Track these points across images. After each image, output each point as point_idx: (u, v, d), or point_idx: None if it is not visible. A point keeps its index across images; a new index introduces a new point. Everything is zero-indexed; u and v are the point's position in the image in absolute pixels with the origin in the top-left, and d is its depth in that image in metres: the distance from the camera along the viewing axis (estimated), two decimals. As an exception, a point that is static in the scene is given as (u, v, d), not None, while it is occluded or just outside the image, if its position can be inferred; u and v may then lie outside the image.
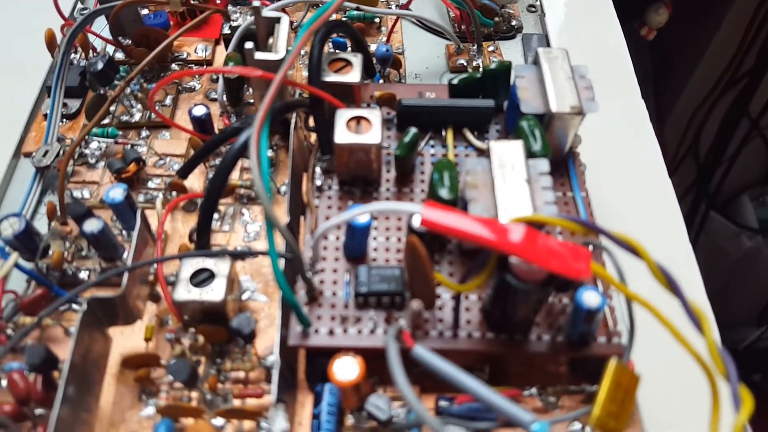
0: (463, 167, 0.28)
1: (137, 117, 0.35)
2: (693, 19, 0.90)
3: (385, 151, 0.30)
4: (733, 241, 1.06)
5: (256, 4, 0.31)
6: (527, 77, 0.29)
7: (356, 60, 0.30)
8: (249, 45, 0.30)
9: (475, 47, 0.39)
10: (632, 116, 0.39)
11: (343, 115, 0.28)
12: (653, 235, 0.34)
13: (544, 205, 0.24)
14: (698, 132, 1.02)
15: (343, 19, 0.38)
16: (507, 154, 0.25)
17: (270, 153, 0.34)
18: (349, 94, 0.30)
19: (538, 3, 0.43)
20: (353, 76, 0.29)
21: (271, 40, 0.32)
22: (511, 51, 0.40)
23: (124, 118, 0.35)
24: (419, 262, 0.23)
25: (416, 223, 0.22)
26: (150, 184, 0.33)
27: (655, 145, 0.38)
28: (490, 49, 0.39)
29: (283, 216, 0.30)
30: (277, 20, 0.32)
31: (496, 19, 0.39)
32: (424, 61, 0.40)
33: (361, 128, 0.28)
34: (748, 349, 1.06)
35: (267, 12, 0.32)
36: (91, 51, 0.38)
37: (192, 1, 0.34)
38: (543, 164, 0.25)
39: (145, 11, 0.39)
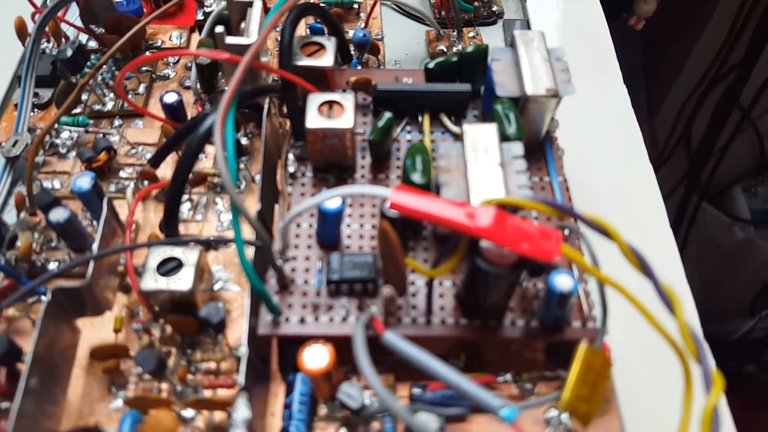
0: (437, 151, 0.28)
1: (110, 106, 0.34)
2: (682, 9, 0.90)
3: (360, 138, 0.30)
4: (726, 232, 1.06)
5: (227, -12, 0.30)
6: (503, 60, 0.29)
7: (329, 44, 0.29)
8: (219, 29, 0.29)
9: (455, 33, 0.38)
10: (614, 102, 0.38)
11: (314, 100, 0.27)
12: (633, 221, 0.34)
13: (517, 188, 0.24)
14: (689, 123, 1.02)
15: (321, 3, 0.38)
16: (480, 138, 0.25)
17: (244, 141, 0.33)
18: (322, 79, 0.29)
19: (518, -13, 0.42)
20: (326, 60, 0.29)
21: (243, 25, 0.31)
22: (492, 37, 0.39)
23: (97, 107, 0.34)
24: (390, 247, 0.22)
25: (387, 207, 0.21)
26: (122, 174, 0.32)
27: (637, 131, 0.38)
28: (471, 35, 0.39)
29: (254, 204, 0.30)
30: (250, 4, 0.31)
31: (476, 4, 0.38)
32: (404, 47, 0.39)
33: (333, 113, 0.27)
34: (741, 340, 1.06)
35: (239, -4, 0.31)
36: (63, 39, 0.37)
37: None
38: (517, 147, 0.25)
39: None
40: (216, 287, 0.28)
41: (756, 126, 1.00)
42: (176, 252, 0.25)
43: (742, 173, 1.08)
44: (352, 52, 0.35)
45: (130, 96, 0.35)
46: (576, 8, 0.42)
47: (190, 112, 0.34)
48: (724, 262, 1.05)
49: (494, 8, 0.40)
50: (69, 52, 0.31)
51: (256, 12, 0.31)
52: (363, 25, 0.38)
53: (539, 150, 0.29)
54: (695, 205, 1.08)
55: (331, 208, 0.24)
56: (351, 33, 0.38)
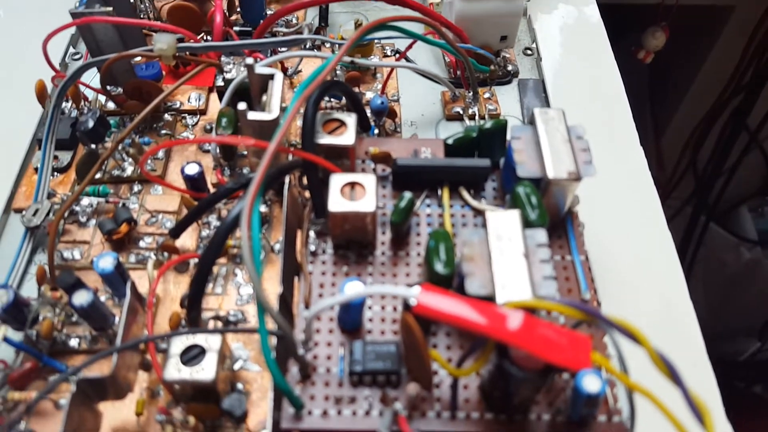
0: (460, 237, 0.28)
1: (129, 171, 0.35)
2: (690, 36, 0.90)
3: (380, 211, 0.30)
4: (733, 252, 1.06)
5: (249, 61, 0.31)
6: (523, 138, 0.29)
7: (350, 120, 0.30)
8: (242, 106, 0.29)
9: (470, 94, 0.38)
10: (630, 162, 0.38)
11: (337, 181, 0.27)
12: (648, 273, 0.34)
13: (542, 280, 0.24)
14: (697, 145, 1.02)
15: (338, 71, 0.38)
16: (503, 226, 0.25)
17: (263, 208, 0.33)
18: (344, 155, 0.30)
19: (534, 46, 0.43)
20: (347, 137, 0.29)
21: (264, 98, 0.32)
22: (507, 97, 0.40)
23: (116, 172, 0.34)
24: (414, 341, 0.22)
25: (412, 301, 0.21)
26: (141, 244, 0.32)
27: (653, 191, 0.38)
28: (486, 95, 0.39)
29: (275, 276, 0.30)
30: (271, 77, 0.32)
31: (492, 67, 0.38)
32: (420, 108, 0.39)
33: (355, 194, 0.27)
34: (749, 361, 1.05)
35: (260, 69, 0.31)
36: (82, 101, 0.38)
37: (184, 54, 0.34)
38: (540, 235, 0.25)
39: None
40: (236, 366, 0.28)
41: (763, 148, 1.00)
42: (199, 338, 0.25)
43: (749, 193, 1.08)
44: (370, 118, 0.35)
45: (149, 161, 0.35)
46: (591, 66, 0.42)
47: (210, 178, 0.34)
48: (731, 283, 1.05)
49: (509, 68, 0.40)
50: (90, 123, 0.32)
51: (277, 85, 0.31)
52: (380, 88, 0.38)
53: (560, 226, 0.29)
54: (703, 225, 1.08)
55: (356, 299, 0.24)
56: (368, 95, 0.39)
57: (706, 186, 1.05)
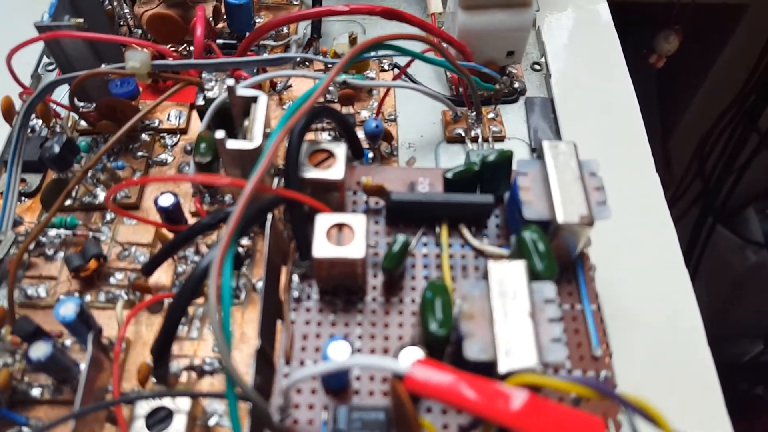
0: (459, 284, 0.26)
1: (101, 197, 0.32)
2: (701, 37, 0.87)
3: (371, 251, 0.27)
4: (738, 254, 1.04)
5: (229, 82, 0.28)
6: (530, 174, 0.26)
7: (340, 151, 0.27)
8: (219, 135, 0.26)
9: (473, 114, 0.36)
10: (644, 189, 0.35)
11: (322, 222, 0.25)
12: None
13: (550, 343, 0.21)
14: (706, 146, 1.00)
15: (330, 87, 0.35)
16: (508, 279, 0.22)
17: (245, 241, 0.31)
18: (332, 189, 0.27)
19: (543, 60, 0.40)
20: (336, 171, 0.26)
21: (247, 123, 0.29)
22: (513, 116, 0.37)
23: (87, 199, 0.32)
24: (405, 413, 0.20)
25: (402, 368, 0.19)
26: (112, 280, 0.29)
27: (667, 216, 0.35)
28: (490, 115, 0.36)
29: (254, 319, 0.27)
30: (254, 99, 0.29)
31: (498, 86, 0.35)
32: (419, 128, 0.36)
33: (343, 237, 0.24)
34: (751, 363, 1.04)
35: (242, 90, 0.29)
36: (54, 119, 0.35)
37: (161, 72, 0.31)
38: (549, 289, 0.22)
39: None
40: (211, 422, 0.26)
41: (771, 147, 0.97)
42: (166, 400, 0.23)
43: (756, 195, 1.06)
44: (364, 141, 0.33)
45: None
46: (603, 81, 0.39)
47: (189, 206, 0.32)
48: (736, 285, 1.03)
49: (516, 85, 0.38)
50: (56, 149, 0.29)
51: (261, 109, 0.28)
52: (376, 107, 0.36)
53: (569, 270, 0.27)
54: (709, 227, 1.06)
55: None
56: (363, 114, 0.36)
57: (714, 188, 1.03)
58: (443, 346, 0.22)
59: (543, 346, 0.21)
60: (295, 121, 0.25)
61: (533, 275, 0.23)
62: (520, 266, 0.23)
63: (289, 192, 0.25)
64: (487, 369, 0.21)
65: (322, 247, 0.24)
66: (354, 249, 0.24)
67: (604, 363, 0.25)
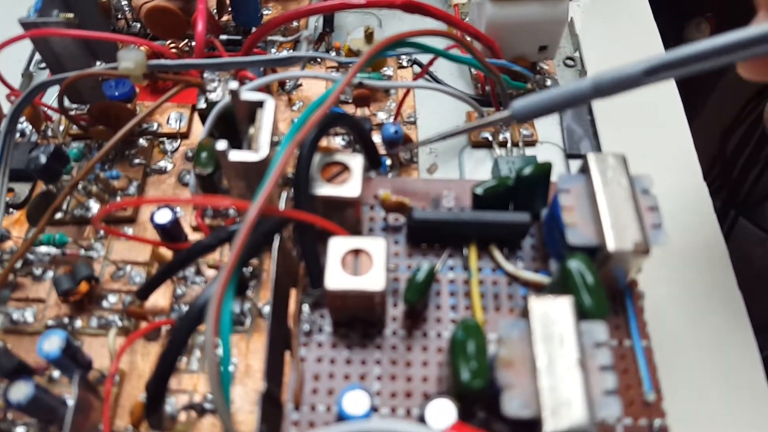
0: (496, 331, 0.23)
1: (95, 210, 0.29)
2: (728, 23, 0.83)
3: (391, 275, 0.24)
4: (760, 248, 1.01)
5: (233, 85, 0.25)
6: (574, 192, 0.23)
7: (356, 164, 0.24)
8: (221, 146, 0.23)
9: (501, 116, 0.32)
10: (691, 200, 0.32)
11: (336, 248, 0.22)
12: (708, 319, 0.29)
13: (603, 397, 0.18)
14: (728, 137, 0.97)
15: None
16: (552, 319, 0.19)
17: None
18: (346, 207, 0.24)
19: (577, 54, 0.36)
20: (352, 187, 0.23)
21: (252, 131, 0.26)
22: (544, 119, 0.33)
23: (79, 212, 0.29)
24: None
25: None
26: (105, 303, 0.27)
27: (716, 229, 0.32)
28: (520, 117, 0.33)
29: (261, 360, 0.24)
30: (260, 104, 0.26)
31: (529, 85, 0.32)
32: (441, 131, 0.33)
33: (359, 265, 0.21)
34: None
35: (247, 94, 0.25)
36: (45, 122, 0.32)
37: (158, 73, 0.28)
38: (600, 331, 0.19)
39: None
40: (212, 469, 0.23)
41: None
42: (161, 452, 0.20)
43: None
44: (381, 149, 0.29)
45: (118, 196, 0.30)
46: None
47: (190, 221, 0.29)
48: (757, 278, 1.00)
49: (548, 83, 0.34)
50: (42, 160, 0.26)
51: (267, 116, 0.25)
52: (394, 108, 0.32)
53: (616, 300, 0.24)
54: (732, 220, 1.03)
55: (354, 414, 0.19)
56: (380, 116, 0.33)
57: (737, 180, 1.00)
58: (477, 399, 0.19)
59: (595, 400, 0.18)
60: (306, 133, 0.22)
61: (581, 313, 0.20)
62: (566, 304, 0.19)
63: (299, 213, 0.22)
64: (529, 426, 0.18)
65: (336, 278, 0.21)
66: (372, 280, 0.21)
67: (657, 409, 0.22)
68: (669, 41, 0.78)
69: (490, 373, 0.19)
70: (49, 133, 0.32)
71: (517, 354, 0.19)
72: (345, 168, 0.24)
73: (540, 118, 0.24)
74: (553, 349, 0.19)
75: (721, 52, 0.22)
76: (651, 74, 0.23)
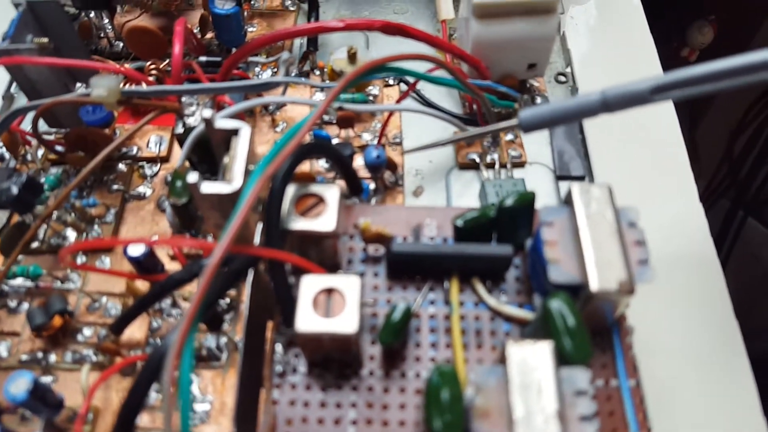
0: (472, 361, 0.22)
1: (72, 238, 0.29)
2: (733, 24, 0.81)
3: (369, 310, 0.24)
4: (767, 247, 1.00)
5: (206, 114, 0.24)
6: (557, 225, 0.22)
7: (331, 195, 0.23)
8: (192, 178, 0.23)
9: (490, 137, 0.31)
10: (685, 225, 0.31)
11: (308, 287, 0.21)
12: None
13: (582, 452, 0.17)
14: (736, 137, 0.95)
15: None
16: (531, 366, 0.18)
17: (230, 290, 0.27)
18: (321, 242, 0.23)
19: (568, 70, 0.35)
20: (327, 221, 0.22)
21: (226, 159, 0.25)
22: (534, 138, 0.32)
23: (55, 241, 0.28)
24: None
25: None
26: (80, 337, 0.26)
27: (712, 249, 0.31)
28: (509, 137, 0.32)
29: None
30: (235, 132, 0.25)
31: (517, 105, 0.31)
32: (427, 152, 0.32)
33: (332, 306, 0.21)
34: None
35: (222, 122, 0.25)
36: (24, 146, 0.32)
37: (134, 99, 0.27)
38: (581, 378, 0.18)
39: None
40: None
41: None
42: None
43: None
44: (363, 174, 0.29)
45: (95, 224, 0.29)
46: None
47: (167, 248, 0.28)
48: (764, 277, 0.99)
49: (538, 101, 0.33)
50: (14, 190, 0.25)
51: (242, 145, 0.24)
52: (378, 129, 0.31)
53: (604, 338, 0.23)
54: (740, 220, 1.01)
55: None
56: (364, 137, 0.32)
57: (744, 180, 0.98)
58: (450, 449, 0.19)
59: (574, 457, 0.17)
60: (278, 166, 0.21)
61: (562, 358, 0.19)
62: (545, 350, 0.19)
63: (269, 251, 0.21)
64: (504, 481, 0.17)
65: (306, 320, 0.20)
66: (345, 322, 0.20)
67: (644, 454, 0.21)
68: (670, 43, 0.76)
69: (465, 422, 0.18)
70: (29, 157, 0.32)
71: (494, 403, 0.18)
72: (320, 200, 0.23)
73: (542, 130, 0.24)
74: (531, 399, 0.18)
75: (729, 74, 0.21)
76: (657, 92, 0.22)
